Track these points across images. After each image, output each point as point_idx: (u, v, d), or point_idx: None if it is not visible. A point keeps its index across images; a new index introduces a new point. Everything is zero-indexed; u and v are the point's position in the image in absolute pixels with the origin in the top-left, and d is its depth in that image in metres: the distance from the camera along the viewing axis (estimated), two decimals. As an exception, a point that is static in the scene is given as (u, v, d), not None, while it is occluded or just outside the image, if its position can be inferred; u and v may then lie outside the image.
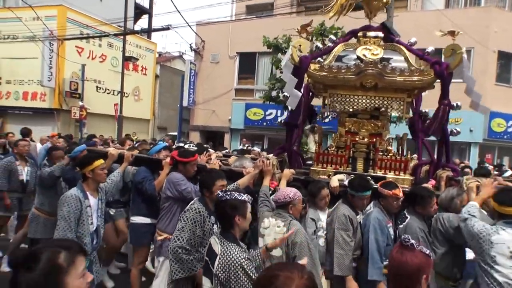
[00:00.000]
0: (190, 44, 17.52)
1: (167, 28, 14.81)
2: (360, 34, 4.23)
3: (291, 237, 2.76)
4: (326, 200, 3.49)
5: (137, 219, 4.08)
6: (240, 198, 2.30)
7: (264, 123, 15.88)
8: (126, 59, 14.98)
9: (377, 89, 3.85)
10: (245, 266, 2.10)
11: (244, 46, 16.21)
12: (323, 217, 3.49)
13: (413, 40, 4.16)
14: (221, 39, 16.66)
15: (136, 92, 19.51)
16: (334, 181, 3.59)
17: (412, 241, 1.79)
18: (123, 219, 4.83)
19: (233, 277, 2.10)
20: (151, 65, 20.48)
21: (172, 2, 15.22)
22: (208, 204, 3.01)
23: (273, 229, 2.93)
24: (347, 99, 3.99)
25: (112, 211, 4.83)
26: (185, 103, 17.00)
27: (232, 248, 2.17)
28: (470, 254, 3.14)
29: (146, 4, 23.15)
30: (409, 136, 4.36)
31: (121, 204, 4.85)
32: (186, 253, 2.82)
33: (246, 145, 13.31)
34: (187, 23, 16.06)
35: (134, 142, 6.90)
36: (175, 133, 18.82)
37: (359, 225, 3.39)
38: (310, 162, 4.86)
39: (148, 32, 21.07)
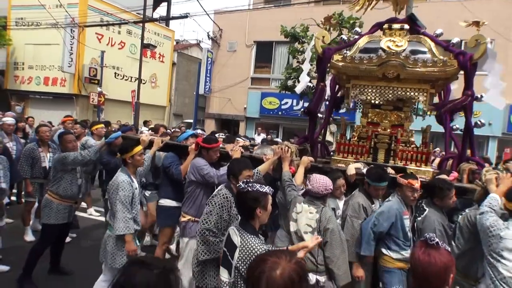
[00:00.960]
0: (208, 32, 17.53)
1: (185, 16, 14.84)
2: (385, 26, 4.20)
3: (324, 223, 2.88)
4: (341, 189, 3.57)
5: (164, 202, 4.30)
6: (262, 190, 2.24)
7: (280, 112, 15.86)
8: (145, 46, 15.10)
9: (400, 80, 3.83)
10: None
11: (261, 35, 16.11)
12: (341, 205, 3.61)
13: (439, 32, 4.11)
14: (238, 27, 16.58)
15: (153, 79, 19.70)
16: (351, 169, 3.63)
17: (437, 240, 1.73)
18: (155, 202, 4.93)
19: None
20: (168, 52, 20.60)
21: (191, -10, 15.20)
22: (234, 191, 3.04)
23: (305, 214, 3.02)
24: (370, 90, 3.97)
25: (147, 193, 5.07)
26: (201, 91, 17.02)
27: (253, 241, 2.13)
28: None
29: (164, -8, 23.19)
30: (433, 129, 4.36)
31: (155, 187, 5.01)
32: (213, 235, 2.92)
33: (269, 136, 13.36)
34: (205, 11, 16.06)
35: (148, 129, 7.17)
36: (191, 121, 18.96)
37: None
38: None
39: (166, 20, 21.11)
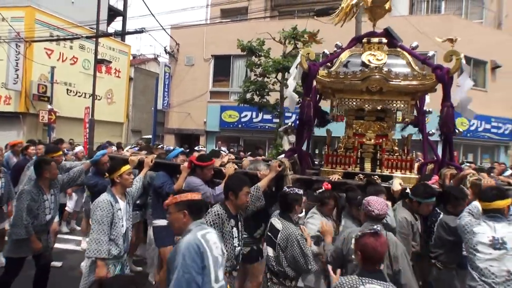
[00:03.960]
0: (165, 47, 16.96)
1: (141, 31, 14.24)
2: (364, 40, 4.30)
3: (392, 250, 2.70)
4: None
5: (159, 222, 4.09)
6: (299, 193, 3.12)
7: (240, 125, 15.51)
8: (99, 61, 14.22)
9: (382, 93, 3.96)
10: (299, 240, 2.95)
11: (219, 49, 15.74)
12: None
13: (415, 44, 4.27)
14: (196, 42, 16.10)
15: (109, 95, 18.67)
16: (396, 186, 3.52)
17: (380, 229, 2.28)
18: (138, 222, 4.80)
19: (289, 246, 2.95)
20: (125, 67, 19.69)
21: (146, 5, 14.75)
22: (229, 208, 3.02)
23: None
24: (354, 103, 4.09)
25: None
26: (159, 106, 16.30)
27: (291, 226, 3.03)
28: None
29: (120, 7, 22.34)
30: (414, 137, 4.44)
31: (137, 207, 4.75)
32: None
33: (231, 149, 13.08)
34: (162, 26, 15.53)
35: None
36: (150, 136, 18.22)
37: (418, 231, 3.36)
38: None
39: (122, 34, 20.27)
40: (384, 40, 4.26)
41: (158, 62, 21.39)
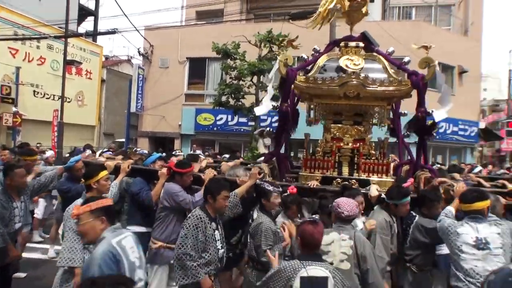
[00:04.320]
0: (138, 49, 16.57)
1: (113, 32, 13.84)
2: (342, 44, 4.34)
3: (360, 249, 2.75)
4: (360, 207, 3.45)
5: (134, 229, 3.84)
6: (268, 188, 3.40)
7: (215, 128, 15.35)
8: (68, 62, 13.70)
9: (359, 98, 4.01)
10: (264, 232, 3.17)
11: (194, 51, 15.50)
12: (359, 223, 3.43)
13: (391, 50, 4.32)
14: (170, 44, 15.82)
15: (79, 97, 18.00)
16: (374, 192, 3.59)
17: (317, 218, 2.70)
18: None
19: (257, 235, 3.19)
20: (96, 69, 19.04)
21: (118, 5, 14.35)
22: (209, 211, 3.03)
23: (337, 243, 2.82)
24: (331, 108, 4.14)
25: None
26: (132, 109, 15.86)
27: (265, 218, 3.29)
28: (445, 249, 3.30)
29: (91, 6, 21.65)
30: (390, 140, 4.54)
31: None
32: (190, 259, 2.84)
33: (206, 152, 12.93)
34: (135, 27, 15.13)
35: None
36: (123, 140, 17.73)
37: (395, 232, 3.43)
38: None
39: (93, 35, 19.64)
40: (361, 44, 4.33)
41: (132, 63, 20.87)
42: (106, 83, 20.13)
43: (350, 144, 4.26)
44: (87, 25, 22.36)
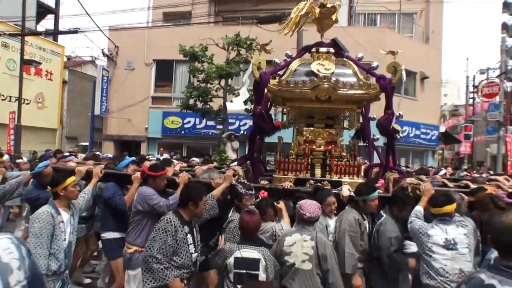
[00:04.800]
0: (103, 50, 16.06)
1: (75, 31, 13.30)
2: (313, 49, 4.45)
3: (321, 250, 2.86)
4: (332, 207, 3.57)
5: (108, 235, 4.00)
6: (240, 190, 3.50)
7: (183, 132, 15.11)
8: (26, 62, 13.00)
9: (330, 101, 4.14)
10: (233, 229, 3.29)
11: (161, 53, 15.21)
12: (332, 223, 3.56)
13: (360, 55, 4.47)
14: (136, 45, 15.41)
15: (39, 99, 17.13)
16: (345, 192, 3.72)
17: (254, 208, 3.10)
18: (83, 236, 4.66)
19: (227, 231, 3.37)
20: (58, 69, 18.21)
21: (80, 3, 13.81)
22: (183, 215, 3.01)
23: (299, 243, 2.89)
24: (304, 111, 4.25)
25: None
26: (97, 111, 15.33)
27: (236, 216, 3.37)
28: (413, 248, 3.47)
29: (51, 3, 20.70)
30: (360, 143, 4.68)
31: (83, 220, 4.50)
32: (156, 262, 2.82)
33: (174, 156, 12.65)
34: (98, 27, 14.60)
35: None
36: (87, 143, 17.08)
37: (366, 230, 3.53)
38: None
39: (53, 34, 18.77)
40: (332, 50, 4.45)
41: (96, 65, 20.16)
42: (69, 85, 19.32)
43: (322, 146, 4.37)
44: (48, 23, 21.42)
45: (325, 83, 3.96)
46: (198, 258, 3.18)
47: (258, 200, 3.62)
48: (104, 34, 15.52)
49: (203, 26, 14.92)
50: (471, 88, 24.34)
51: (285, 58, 4.50)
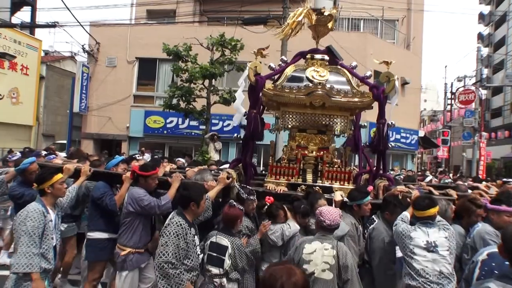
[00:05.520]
0: (83, 45, 15.72)
1: (53, 25, 12.97)
2: (308, 56, 4.51)
3: (342, 260, 2.80)
4: None
5: (95, 235, 3.90)
6: (242, 195, 3.54)
7: (165, 131, 14.96)
8: None
9: (324, 108, 4.20)
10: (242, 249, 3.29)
11: (144, 51, 15.02)
12: None
13: (354, 64, 4.57)
14: (118, 42, 15.18)
15: (14, 94, 16.56)
16: (338, 196, 3.78)
17: (234, 202, 3.33)
18: (73, 235, 4.59)
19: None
20: (34, 64, 17.65)
21: (60, -4, 13.46)
22: (187, 217, 3.01)
23: (320, 252, 2.84)
24: (298, 116, 4.30)
25: (63, 226, 4.33)
26: (76, 109, 14.99)
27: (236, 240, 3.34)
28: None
29: (28, -5, 20.08)
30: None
31: (72, 219, 4.53)
32: (172, 267, 2.80)
33: (155, 156, 12.48)
34: (78, 22, 14.32)
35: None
36: (64, 141, 16.66)
37: (361, 234, 3.62)
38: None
39: (30, 27, 18.18)
40: (326, 57, 4.50)
41: (75, 61, 19.68)
42: (46, 80, 18.77)
43: (314, 152, 4.42)
44: (24, 15, 20.73)
45: (319, 89, 4.02)
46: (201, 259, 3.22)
47: (267, 205, 3.66)
48: (85, 30, 15.21)
49: (188, 25, 14.85)
50: (449, 95, 25.18)
51: (280, 63, 4.54)
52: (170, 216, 3.03)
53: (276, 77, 4.51)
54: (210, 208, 3.46)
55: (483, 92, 19.51)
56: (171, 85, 11.96)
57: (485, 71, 33.34)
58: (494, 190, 4.88)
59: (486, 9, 40.72)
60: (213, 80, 11.30)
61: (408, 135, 16.73)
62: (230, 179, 3.75)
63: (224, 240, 3.18)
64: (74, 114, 15.48)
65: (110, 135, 15.57)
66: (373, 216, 3.76)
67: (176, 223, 2.89)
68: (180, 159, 9.16)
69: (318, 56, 4.47)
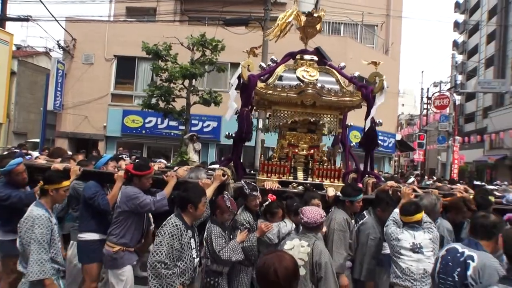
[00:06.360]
0: (58, 41, 15.34)
1: (25, 19, 12.65)
2: (298, 56, 4.61)
3: (316, 257, 2.88)
4: None
5: (87, 236, 3.82)
6: (246, 191, 3.62)
7: (144, 131, 14.76)
8: (-31, 49, 12.19)
9: (314, 107, 4.31)
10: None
11: (123, 49, 14.78)
12: None
13: (342, 65, 4.71)
14: (96, 39, 14.87)
15: (-17, 90, 16.08)
16: (331, 192, 3.93)
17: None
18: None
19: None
20: (5, 59, 17.05)
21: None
22: (185, 219, 3.02)
23: (297, 249, 2.94)
24: (289, 115, 4.37)
25: None
26: (50, 107, 14.56)
27: (243, 214, 3.67)
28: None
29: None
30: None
31: (56, 220, 4.07)
32: (165, 267, 2.80)
33: (133, 156, 12.29)
34: (53, 17, 13.98)
35: None
36: (37, 140, 16.17)
37: (354, 229, 3.78)
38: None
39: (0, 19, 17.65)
40: (315, 58, 4.62)
41: (50, 57, 19.15)
42: (18, 76, 18.17)
43: (304, 150, 4.53)
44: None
45: (311, 88, 4.13)
46: (198, 263, 3.20)
47: (267, 203, 3.71)
48: (60, 25, 14.86)
49: (168, 24, 14.76)
50: (425, 100, 25.99)
51: (269, 63, 4.63)
52: (169, 217, 3.06)
53: (265, 77, 4.58)
54: (208, 207, 3.48)
55: (457, 98, 20.28)
56: (151, 84, 11.82)
57: (460, 78, 34.57)
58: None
59: (460, 17, 42.34)
60: (193, 80, 11.25)
61: (385, 138, 17.18)
62: (226, 176, 3.80)
63: (208, 224, 3.40)
64: (48, 112, 15.06)
65: (86, 134, 15.24)
66: (364, 212, 3.94)
67: (172, 223, 2.91)
68: (162, 160, 9.08)
69: (307, 57, 4.58)
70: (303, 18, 4.57)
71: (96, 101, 15.06)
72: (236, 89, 4.38)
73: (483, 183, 13.50)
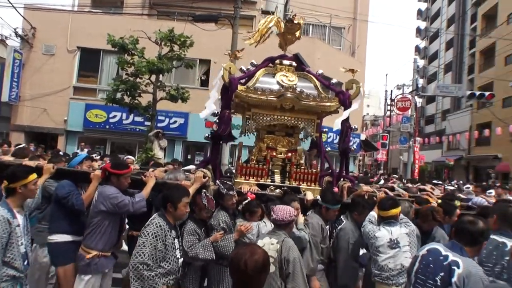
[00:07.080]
0: (15, 29, 14.58)
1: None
2: (277, 61, 4.71)
3: (284, 253, 2.90)
4: (296, 212, 3.65)
5: (57, 237, 3.66)
6: (222, 191, 3.57)
7: (107, 126, 14.37)
8: None
9: (293, 111, 4.40)
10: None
11: (87, 41, 14.30)
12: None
13: (320, 72, 4.87)
14: (58, 29, 14.30)
15: None
16: (309, 196, 4.00)
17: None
18: None
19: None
20: (-44, 46, 16.09)
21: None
22: (169, 219, 3.01)
23: (267, 247, 2.92)
24: (268, 118, 4.45)
25: None
26: (4, 98, 13.79)
27: (219, 214, 3.59)
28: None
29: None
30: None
31: None
32: (147, 269, 2.77)
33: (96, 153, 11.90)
34: (10, 3, 13.25)
35: None
36: (-11, 133, 15.34)
37: (327, 234, 3.86)
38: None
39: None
40: (294, 63, 4.72)
41: (6, 45, 18.13)
42: (-30, 65, 17.07)
43: (282, 154, 4.61)
44: None
45: (290, 93, 4.25)
46: (181, 264, 3.16)
47: (246, 202, 3.70)
48: (18, 12, 14.12)
49: (135, 17, 14.46)
50: (388, 101, 27.09)
51: (249, 67, 4.71)
52: (152, 217, 3.02)
53: (244, 80, 4.65)
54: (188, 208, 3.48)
55: (419, 100, 21.32)
56: (116, 78, 11.54)
57: (421, 81, 36.38)
58: (438, 192, 5.58)
59: (422, 24, 44.49)
60: (160, 75, 11.10)
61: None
62: (206, 178, 3.79)
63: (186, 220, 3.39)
64: (3, 104, 14.29)
65: (45, 128, 14.61)
66: (341, 217, 4.01)
67: (156, 224, 2.87)
68: (129, 156, 8.86)
69: (286, 62, 4.69)
70: (283, 25, 4.70)
71: (57, 94, 14.48)
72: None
73: (441, 182, 14.37)
